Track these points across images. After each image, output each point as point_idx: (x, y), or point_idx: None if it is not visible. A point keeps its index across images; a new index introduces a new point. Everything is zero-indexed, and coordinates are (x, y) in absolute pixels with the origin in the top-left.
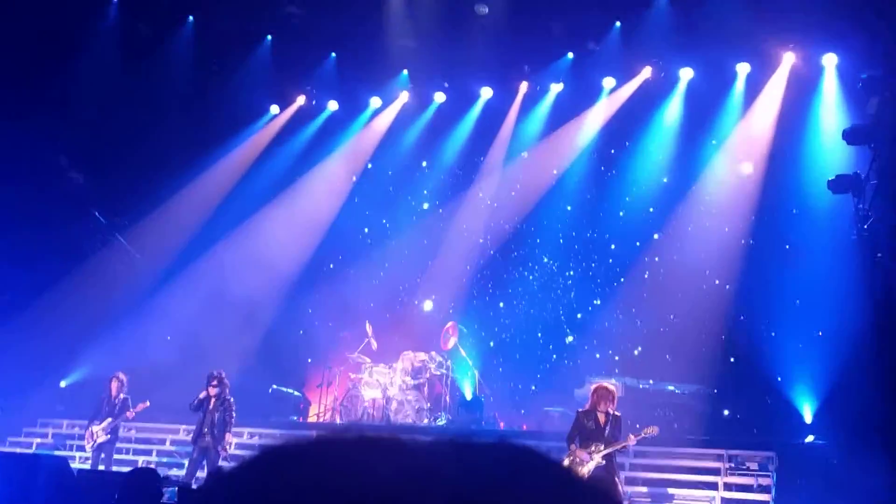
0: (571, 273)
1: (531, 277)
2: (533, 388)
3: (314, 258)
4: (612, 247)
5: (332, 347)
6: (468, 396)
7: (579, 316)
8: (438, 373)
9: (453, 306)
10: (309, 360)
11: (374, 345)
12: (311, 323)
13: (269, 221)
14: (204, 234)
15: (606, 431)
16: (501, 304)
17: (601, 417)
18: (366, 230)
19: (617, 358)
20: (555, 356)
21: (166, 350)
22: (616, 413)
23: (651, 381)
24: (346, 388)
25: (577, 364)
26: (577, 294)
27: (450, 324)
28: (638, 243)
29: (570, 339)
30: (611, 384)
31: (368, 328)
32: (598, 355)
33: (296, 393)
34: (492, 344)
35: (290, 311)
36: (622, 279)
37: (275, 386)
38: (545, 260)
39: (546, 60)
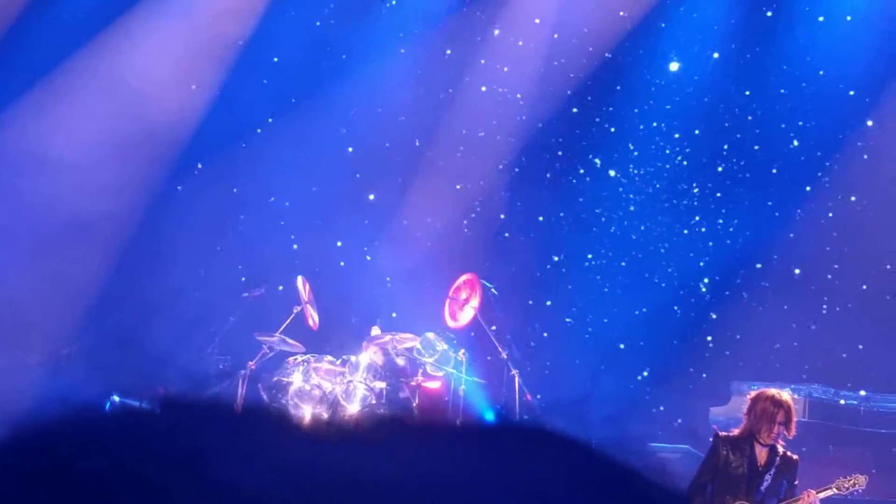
0: (720, 170)
1: (620, 177)
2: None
3: (203, 134)
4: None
5: (229, 322)
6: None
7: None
8: (438, 371)
9: (471, 241)
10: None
11: (315, 319)
12: (188, 270)
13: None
14: None
15: (767, 480)
16: (567, 239)
17: (761, 454)
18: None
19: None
20: (675, 342)
21: None
22: (789, 454)
23: (863, 394)
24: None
25: (718, 359)
26: (725, 217)
27: (464, 277)
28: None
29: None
30: (787, 395)
31: (303, 287)
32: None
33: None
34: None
35: (151, 248)
36: (807, 187)
37: (117, 398)
38: (656, 147)
39: None
